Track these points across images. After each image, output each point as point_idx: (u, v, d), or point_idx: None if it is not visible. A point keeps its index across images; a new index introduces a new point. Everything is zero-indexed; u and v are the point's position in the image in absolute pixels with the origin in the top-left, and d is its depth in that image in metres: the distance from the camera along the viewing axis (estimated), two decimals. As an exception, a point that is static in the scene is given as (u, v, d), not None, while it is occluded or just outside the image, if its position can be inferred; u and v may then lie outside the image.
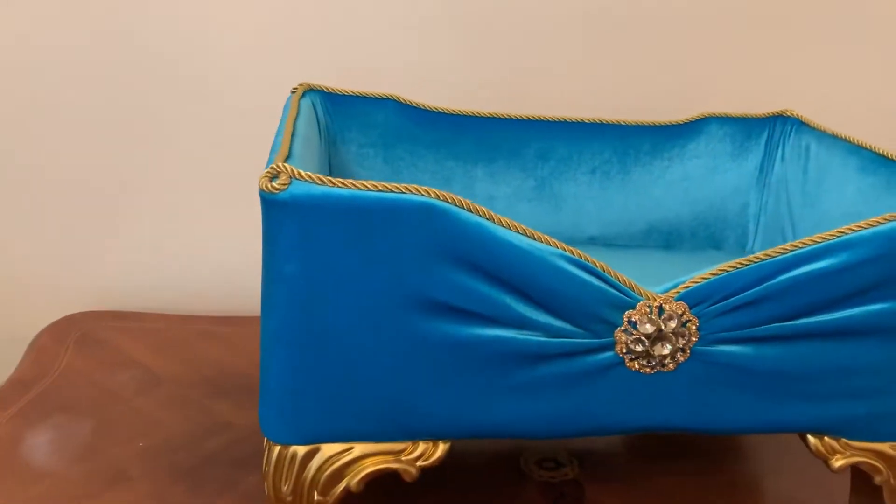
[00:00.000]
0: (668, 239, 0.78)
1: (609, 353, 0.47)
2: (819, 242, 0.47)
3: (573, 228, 0.76)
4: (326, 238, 0.42)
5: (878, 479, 0.53)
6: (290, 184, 0.42)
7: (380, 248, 0.43)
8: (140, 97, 0.82)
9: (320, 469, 0.47)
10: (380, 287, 0.44)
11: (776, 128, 0.75)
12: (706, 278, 0.47)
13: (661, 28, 0.85)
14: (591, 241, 0.76)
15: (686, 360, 0.48)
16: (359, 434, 0.47)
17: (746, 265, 0.47)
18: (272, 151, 0.49)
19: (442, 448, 0.48)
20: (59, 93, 0.81)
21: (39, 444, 0.62)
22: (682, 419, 0.50)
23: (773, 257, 0.47)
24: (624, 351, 0.47)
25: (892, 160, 0.61)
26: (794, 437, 0.53)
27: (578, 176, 0.74)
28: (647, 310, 0.46)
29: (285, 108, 0.64)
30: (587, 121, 0.73)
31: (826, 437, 0.52)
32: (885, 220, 0.47)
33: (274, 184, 0.42)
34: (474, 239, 0.43)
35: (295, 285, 0.43)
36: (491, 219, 0.44)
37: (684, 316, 0.47)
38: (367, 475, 0.48)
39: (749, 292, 0.47)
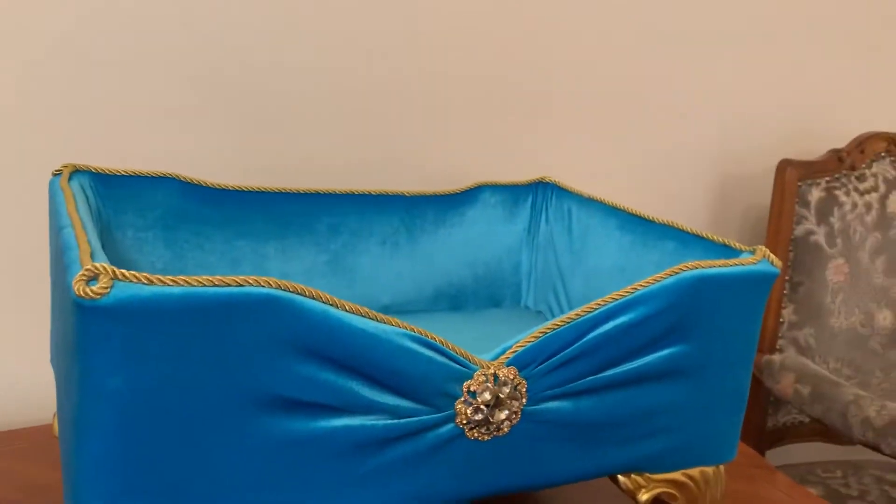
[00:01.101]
0: (454, 301, 0.81)
1: (450, 426, 0.48)
2: (618, 299, 0.52)
3: (368, 299, 0.76)
4: (157, 343, 0.38)
5: (674, 505, 0.60)
6: (112, 286, 0.37)
7: (219, 348, 0.39)
8: None
9: None
10: (220, 390, 0.40)
11: (538, 193, 0.83)
12: (529, 342, 0.50)
13: (425, 103, 0.90)
14: (385, 310, 0.77)
15: (518, 422, 0.50)
16: (199, 555, 0.42)
17: (561, 325, 0.50)
18: (67, 248, 0.43)
19: (290, 553, 0.45)
20: None
21: None
22: (520, 479, 0.52)
23: (583, 316, 0.51)
24: (464, 422, 0.48)
25: (646, 219, 0.70)
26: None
27: (371, 248, 0.75)
28: (484, 378, 0.48)
29: (52, 192, 0.56)
30: (374, 192, 0.75)
31: (633, 475, 0.58)
32: (668, 274, 0.54)
33: (93, 288, 0.37)
34: (320, 327, 0.42)
35: (121, 401, 0.38)
36: (335, 304, 0.42)
37: (515, 380, 0.49)
38: None
39: (567, 350, 0.50)
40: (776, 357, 1.00)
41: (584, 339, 0.51)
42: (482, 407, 0.48)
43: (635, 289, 0.53)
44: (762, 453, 1.09)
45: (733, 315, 0.57)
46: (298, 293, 0.41)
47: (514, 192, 0.82)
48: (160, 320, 0.38)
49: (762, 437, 1.09)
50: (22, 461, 0.67)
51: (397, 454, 0.46)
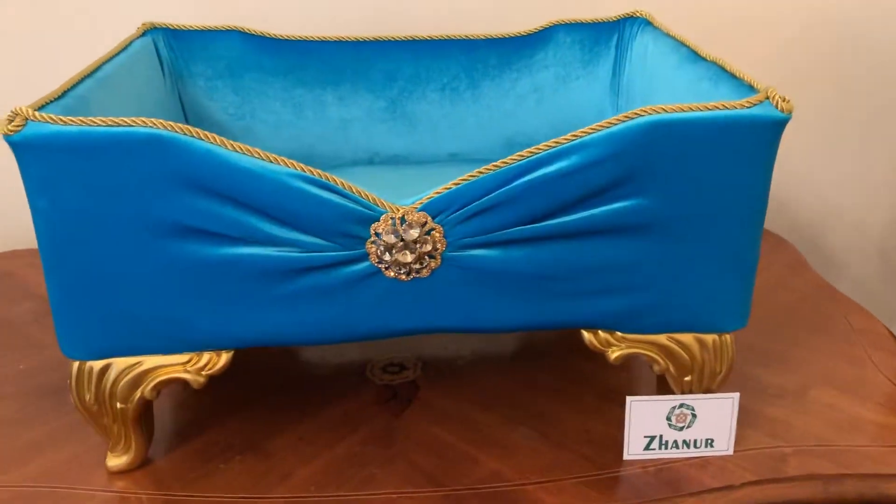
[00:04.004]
0: (529, 150, 0.79)
1: (365, 264, 0.51)
2: (553, 147, 0.49)
3: (432, 146, 0.78)
4: (67, 173, 0.46)
5: (656, 369, 0.56)
6: (24, 125, 0.45)
7: (117, 180, 0.46)
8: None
9: (116, 380, 0.53)
10: (125, 216, 0.47)
11: (625, 30, 0.75)
12: (448, 188, 0.49)
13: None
14: (453, 158, 0.78)
15: (439, 267, 0.51)
16: (144, 348, 0.52)
17: (484, 174, 0.49)
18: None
19: (225, 357, 0.53)
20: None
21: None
22: (447, 320, 0.53)
23: (510, 164, 0.49)
24: (377, 261, 0.50)
25: (699, 57, 0.61)
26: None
27: (428, 94, 0.76)
28: (391, 221, 0.49)
29: (119, 50, 0.67)
30: (431, 38, 0.74)
31: (600, 332, 0.55)
32: (618, 120, 0.48)
33: (10, 126, 0.45)
34: (208, 165, 0.46)
35: (49, 219, 0.47)
36: (222, 145, 0.47)
37: (427, 225, 0.50)
38: (159, 384, 0.53)
39: (486, 198, 0.49)
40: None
41: (507, 188, 0.49)
42: (388, 248, 0.50)
43: (576, 136, 0.49)
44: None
45: (719, 166, 0.50)
46: (184, 133, 0.46)
47: (595, 31, 0.76)
48: (65, 153, 0.46)
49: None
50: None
51: (309, 284, 0.50)
